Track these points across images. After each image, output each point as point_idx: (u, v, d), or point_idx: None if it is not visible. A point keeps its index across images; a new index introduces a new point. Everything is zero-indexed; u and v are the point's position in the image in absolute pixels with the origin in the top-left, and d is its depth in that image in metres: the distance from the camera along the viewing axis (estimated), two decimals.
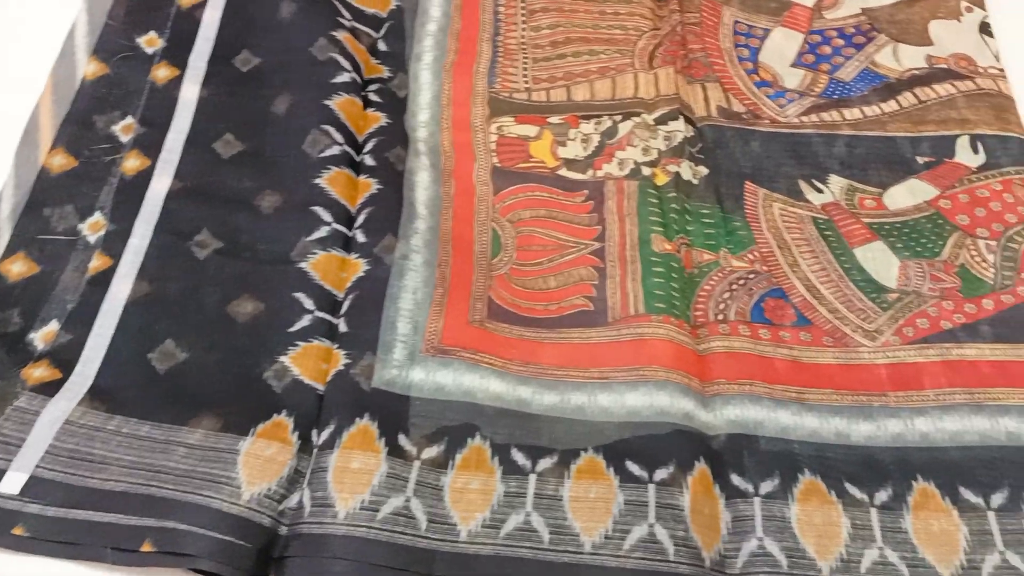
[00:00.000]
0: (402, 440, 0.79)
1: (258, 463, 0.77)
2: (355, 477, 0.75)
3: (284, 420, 0.80)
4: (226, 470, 0.76)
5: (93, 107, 1.01)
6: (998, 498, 0.78)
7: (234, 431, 0.79)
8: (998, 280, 0.92)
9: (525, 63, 1.10)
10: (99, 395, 0.81)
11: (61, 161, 0.97)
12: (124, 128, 1.01)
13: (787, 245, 0.95)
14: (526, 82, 1.09)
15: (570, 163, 1.02)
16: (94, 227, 0.93)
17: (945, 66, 1.09)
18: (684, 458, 0.78)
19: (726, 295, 0.91)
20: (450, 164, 1.01)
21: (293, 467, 0.77)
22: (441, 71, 1.09)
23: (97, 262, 0.90)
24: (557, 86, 1.08)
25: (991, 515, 0.78)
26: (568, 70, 1.09)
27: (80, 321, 0.86)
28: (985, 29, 1.13)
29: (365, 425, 0.79)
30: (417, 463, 0.78)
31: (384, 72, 1.09)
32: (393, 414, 0.80)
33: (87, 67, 1.04)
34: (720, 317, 0.90)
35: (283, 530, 0.74)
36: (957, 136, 1.02)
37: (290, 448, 0.78)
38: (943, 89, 1.07)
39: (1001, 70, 1.09)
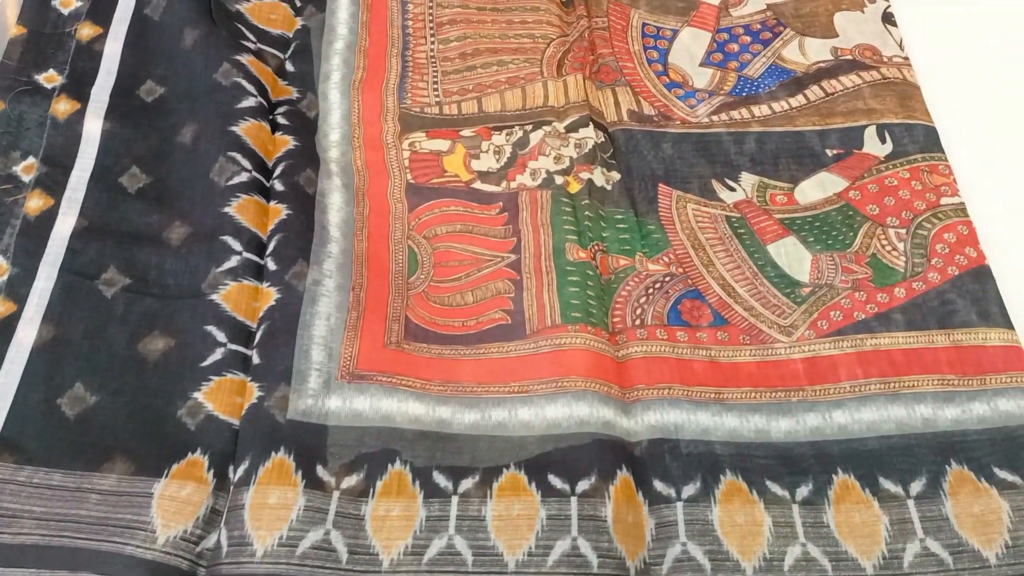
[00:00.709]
0: (320, 471, 0.78)
1: (173, 505, 0.75)
2: (273, 513, 0.74)
3: (199, 458, 0.79)
4: (140, 515, 0.74)
5: None
6: (916, 486, 0.79)
7: (147, 473, 0.78)
8: (909, 268, 0.93)
9: (435, 77, 1.10)
10: (7, 446, 0.78)
11: None
12: (25, 168, 0.98)
13: (702, 246, 0.95)
14: (437, 96, 1.08)
15: (484, 176, 1.01)
16: None
17: (851, 57, 1.11)
18: (606, 467, 0.78)
19: (643, 299, 0.91)
20: (363, 183, 1.00)
21: (209, 506, 0.76)
22: (350, 89, 1.08)
23: (1, 308, 0.87)
24: (468, 98, 1.08)
25: (911, 503, 0.78)
26: (478, 82, 1.09)
27: None
28: (888, 19, 1.14)
29: (281, 459, 0.77)
30: (336, 493, 0.76)
31: (293, 93, 1.07)
32: (310, 445, 0.79)
33: None
34: (637, 322, 0.90)
35: (201, 572, 0.73)
36: (864, 127, 1.04)
37: (206, 487, 0.77)
38: (849, 80, 1.08)
39: (906, 58, 1.10)
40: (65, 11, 1.13)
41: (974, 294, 0.91)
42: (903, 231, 0.95)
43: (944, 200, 0.97)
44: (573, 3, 1.18)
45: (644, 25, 1.16)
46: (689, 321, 0.90)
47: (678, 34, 1.15)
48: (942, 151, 1.02)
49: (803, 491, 0.79)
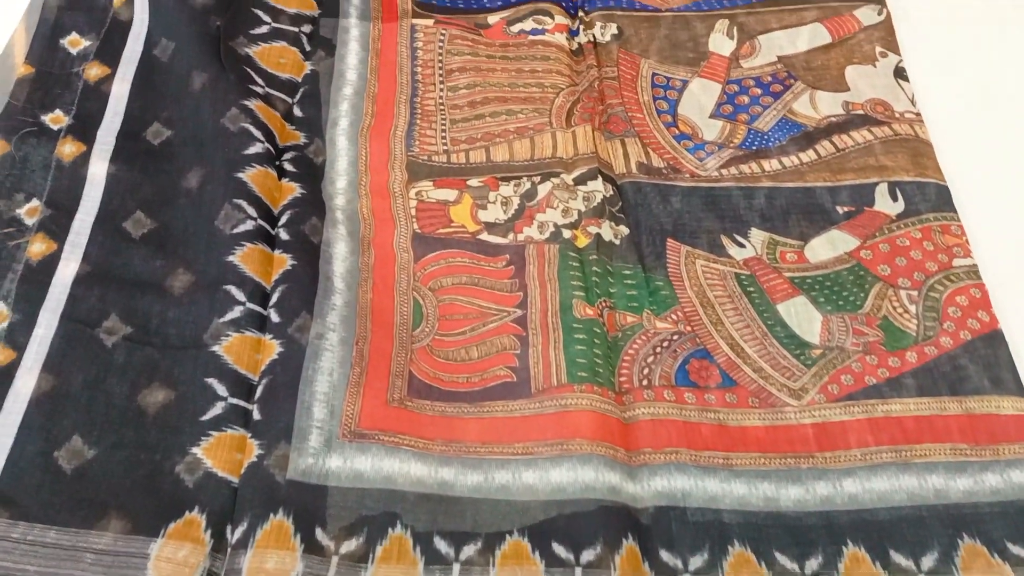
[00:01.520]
0: (319, 534, 0.76)
1: (169, 567, 0.74)
2: None
3: (197, 517, 0.78)
4: None
5: None
6: (928, 560, 0.78)
7: (144, 533, 0.76)
8: (921, 331, 0.92)
9: (443, 125, 1.09)
10: (2, 501, 0.77)
11: None
12: (29, 211, 0.97)
13: (710, 303, 0.94)
14: (444, 144, 1.07)
15: (491, 227, 1.00)
16: None
17: (862, 112, 1.10)
18: (611, 536, 0.77)
19: (650, 358, 0.90)
20: (369, 232, 0.99)
21: (206, 568, 0.75)
22: (358, 136, 1.07)
23: (0, 356, 0.86)
24: (476, 147, 1.07)
25: None
26: (487, 131, 1.08)
27: None
28: (900, 74, 1.14)
29: (280, 521, 0.76)
30: (335, 559, 0.75)
31: (300, 138, 1.07)
32: (309, 507, 0.78)
33: None
34: (645, 382, 0.88)
35: None
36: (876, 184, 1.03)
37: (203, 548, 0.75)
38: (860, 136, 1.07)
39: (917, 114, 1.10)
40: (73, 51, 1.12)
41: (986, 360, 0.89)
42: (915, 293, 0.94)
43: (956, 262, 0.96)
44: (583, 52, 1.18)
45: (654, 75, 1.15)
46: (697, 382, 0.89)
47: (688, 85, 1.15)
48: (954, 211, 1.01)
49: (813, 564, 0.77)
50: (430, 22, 1.19)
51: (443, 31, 1.18)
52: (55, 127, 1.04)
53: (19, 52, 1.11)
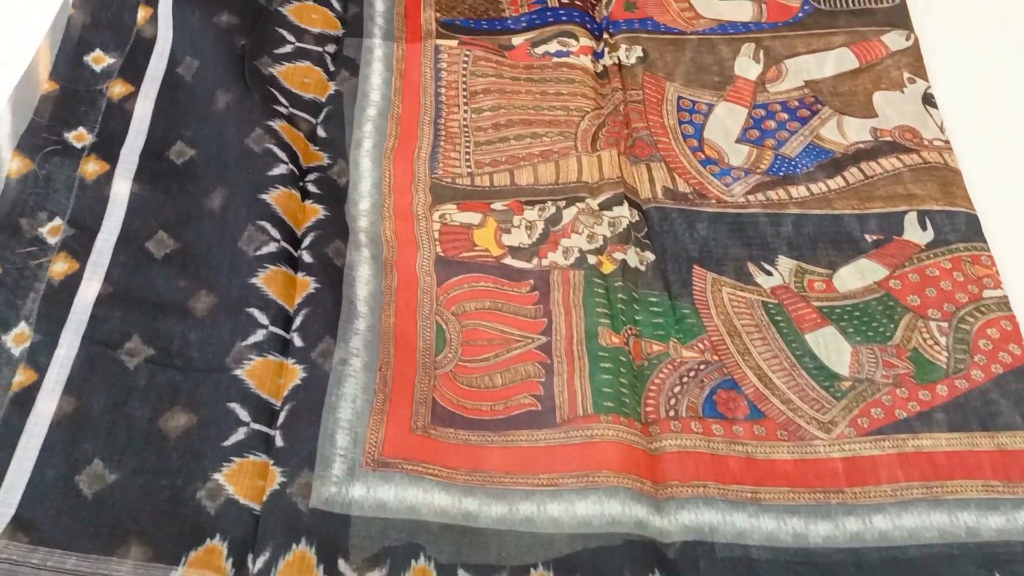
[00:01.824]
0: (342, 565, 0.75)
1: None
2: None
3: (218, 545, 0.77)
4: None
5: (18, 209, 0.98)
6: None
7: (165, 560, 0.75)
8: (951, 364, 0.90)
9: (467, 147, 1.08)
10: (23, 526, 0.76)
11: None
12: (51, 230, 0.97)
13: (738, 332, 0.93)
14: (468, 167, 1.06)
15: (515, 251, 0.99)
16: (19, 339, 0.89)
17: (890, 139, 1.09)
18: (638, 571, 0.76)
19: (677, 388, 0.89)
20: (392, 254, 0.98)
21: None
22: (382, 157, 1.07)
23: (21, 377, 0.86)
24: (500, 170, 1.06)
25: None
26: (511, 154, 1.07)
27: (2, 444, 0.81)
28: (929, 100, 1.12)
29: (303, 551, 0.75)
30: None
31: (323, 159, 1.06)
32: (332, 537, 0.77)
33: (11, 164, 1.01)
34: (671, 413, 0.87)
35: None
36: (905, 212, 1.01)
37: None
38: (889, 163, 1.06)
39: (946, 142, 1.08)
40: (97, 68, 1.12)
41: (1018, 394, 0.88)
42: (945, 324, 0.93)
43: (987, 293, 0.95)
44: (608, 74, 1.17)
45: (679, 98, 1.15)
46: (725, 413, 0.87)
47: (714, 109, 1.14)
48: (984, 240, 0.99)
49: None
50: (454, 43, 1.18)
51: (467, 52, 1.17)
52: (78, 145, 1.04)
53: (43, 69, 1.11)
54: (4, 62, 1.10)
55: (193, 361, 0.89)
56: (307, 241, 0.96)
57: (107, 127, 1.05)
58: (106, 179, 1.01)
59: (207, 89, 1.08)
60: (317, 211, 0.99)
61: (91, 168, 1.01)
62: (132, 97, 1.09)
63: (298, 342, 0.88)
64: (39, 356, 0.87)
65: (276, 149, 1.01)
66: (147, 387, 0.86)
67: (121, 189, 1.00)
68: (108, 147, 1.03)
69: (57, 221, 0.98)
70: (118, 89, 1.09)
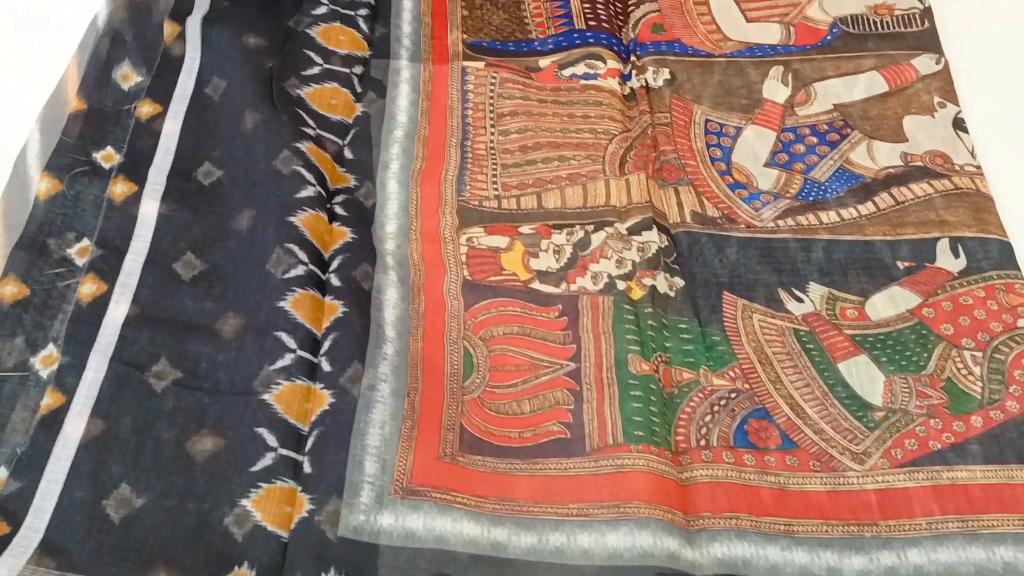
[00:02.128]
0: None
1: None
2: None
3: (246, 573, 0.76)
4: None
5: (46, 229, 0.98)
6: None
7: None
8: (986, 394, 0.89)
9: (494, 169, 1.08)
10: (50, 551, 0.76)
11: (12, 290, 0.93)
12: (80, 251, 0.97)
13: (769, 360, 0.92)
14: (496, 189, 1.06)
15: (543, 275, 0.99)
16: (47, 361, 0.89)
17: (921, 164, 1.08)
18: None
19: (707, 417, 0.88)
20: (419, 278, 0.98)
21: None
22: (409, 179, 1.06)
23: (49, 399, 0.85)
24: (527, 193, 1.06)
25: None
26: (538, 176, 1.07)
27: (30, 467, 0.81)
28: (959, 125, 1.11)
29: None
30: None
31: (350, 181, 1.06)
32: (360, 566, 0.76)
33: (40, 184, 1.01)
34: (702, 443, 0.86)
35: None
36: (937, 239, 1.00)
37: None
38: (920, 189, 1.05)
39: (978, 167, 1.07)
40: (125, 86, 1.13)
41: None
42: (979, 354, 0.92)
43: (1021, 322, 0.94)
44: (635, 97, 1.17)
45: (707, 121, 1.14)
46: (756, 443, 0.86)
47: (742, 132, 1.13)
48: (1018, 268, 0.98)
49: None
50: (481, 65, 1.18)
51: (494, 74, 1.17)
52: (107, 165, 1.04)
53: (72, 87, 1.11)
54: (34, 81, 1.11)
55: (220, 384, 0.88)
56: (335, 264, 0.96)
57: (135, 147, 1.05)
58: (134, 200, 1.01)
59: (235, 109, 1.08)
60: (344, 234, 0.99)
61: (119, 189, 1.02)
62: (160, 117, 1.09)
63: (326, 367, 0.88)
64: (67, 378, 0.87)
65: (304, 171, 1.01)
66: (174, 410, 0.86)
67: (149, 210, 1.00)
68: (136, 167, 1.03)
69: (85, 242, 0.98)
70: (146, 109, 1.09)
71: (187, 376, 0.88)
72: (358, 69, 1.16)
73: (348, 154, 1.08)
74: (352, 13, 1.21)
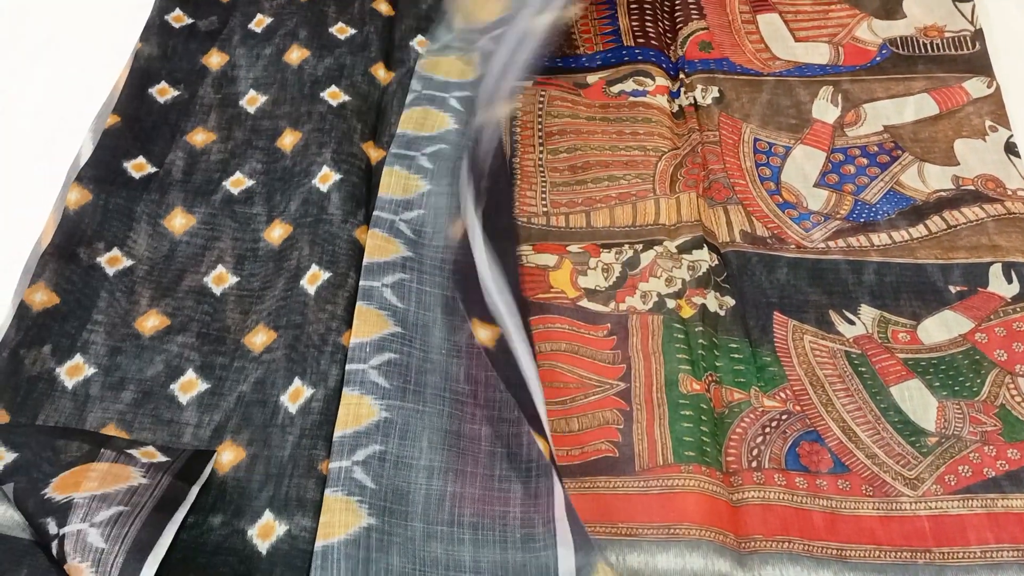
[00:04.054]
0: None
1: None
2: None
3: None
4: None
5: (76, 238, 0.98)
6: None
7: None
8: None
9: (543, 186, 1.08)
10: None
11: (42, 298, 0.93)
12: (109, 260, 0.98)
13: (820, 382, 0.91)
14: (544, 206, 1.06)
15: (591, 294, 0.99)
16: (73, 372, 0.90)
17: (972, 188, 1.07)
18: None
19: (759, 438, 0.88)
20: None
21: None
22: None
23: None
24: (576, 211, 1.06)
25: None
26: (588, 196, 1.07)
27: None
28: (1011, 149, 1.10)
29: None
30: None
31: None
32: None
33: (69, 195, 1.01)
34: (754, 464, 0.86)
35: None
36: (990, 264, 0.99)
37: None
38: (972, 213, 1.04)
39: None
40: (162, 99, 1.14)
41: None
42: None
43: None
44: (684, 114, 1.16)
45: (756, 140, 1.14)
46: (808, 466, 0.86)
47: (791, 151, 1.12)
48: None
49: None
50: (529, 82, 1.18)
51: (542, 92, 1.17)
52: (137, 175, 1.05)
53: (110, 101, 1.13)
54: (90, 92, 1.13)
55: None
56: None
57: (169, 160, 1.07)
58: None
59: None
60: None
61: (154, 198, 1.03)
62: (195, 130, 1.11)
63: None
64: None
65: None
66: None
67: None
68: (170, 181, 1.05)
69: (115, 251, 0.98)
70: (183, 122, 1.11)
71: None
72: None
73: None
74: None
